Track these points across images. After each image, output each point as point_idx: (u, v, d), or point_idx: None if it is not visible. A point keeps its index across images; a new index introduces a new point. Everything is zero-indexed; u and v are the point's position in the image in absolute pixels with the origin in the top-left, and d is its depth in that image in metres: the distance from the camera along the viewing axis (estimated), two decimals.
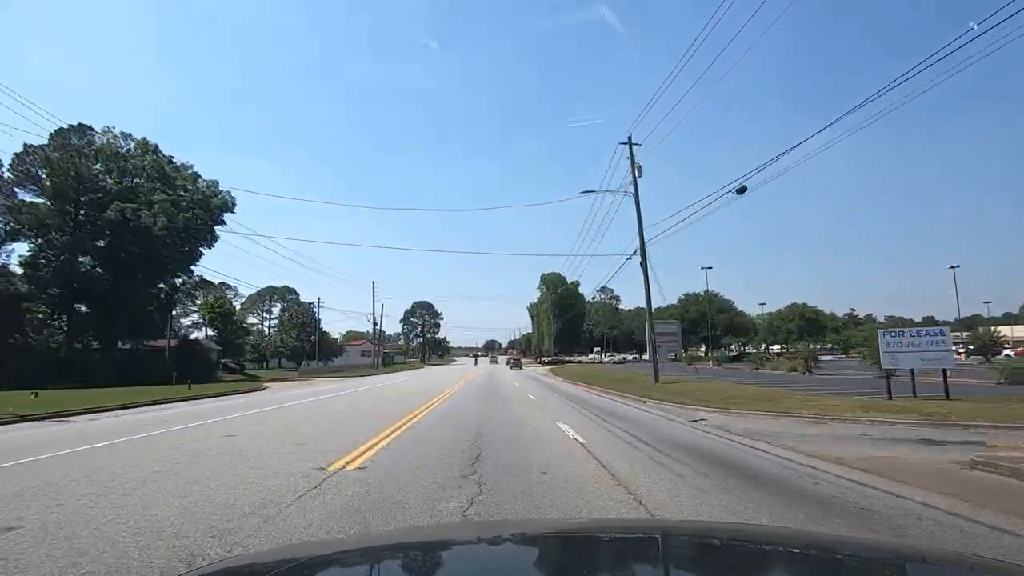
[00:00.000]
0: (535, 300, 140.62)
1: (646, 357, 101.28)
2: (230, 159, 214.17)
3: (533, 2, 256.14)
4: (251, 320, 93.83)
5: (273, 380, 46.94)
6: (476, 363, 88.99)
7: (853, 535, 3.84)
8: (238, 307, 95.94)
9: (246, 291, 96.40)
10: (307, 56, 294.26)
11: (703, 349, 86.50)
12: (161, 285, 48.25)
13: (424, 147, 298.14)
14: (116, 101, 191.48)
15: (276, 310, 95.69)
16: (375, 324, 74.27)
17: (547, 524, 3.30)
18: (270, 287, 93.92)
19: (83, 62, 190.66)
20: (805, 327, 70.44)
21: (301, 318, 71.26)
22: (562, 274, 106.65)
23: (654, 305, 28.50)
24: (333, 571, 1.43)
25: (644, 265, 26.30)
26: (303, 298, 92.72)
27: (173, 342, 46.03)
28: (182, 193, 45.28)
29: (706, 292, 76.77)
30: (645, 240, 26.29)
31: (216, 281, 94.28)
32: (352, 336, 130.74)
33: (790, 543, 1.64)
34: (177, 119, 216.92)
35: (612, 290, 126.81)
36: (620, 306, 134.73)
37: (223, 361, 57.69)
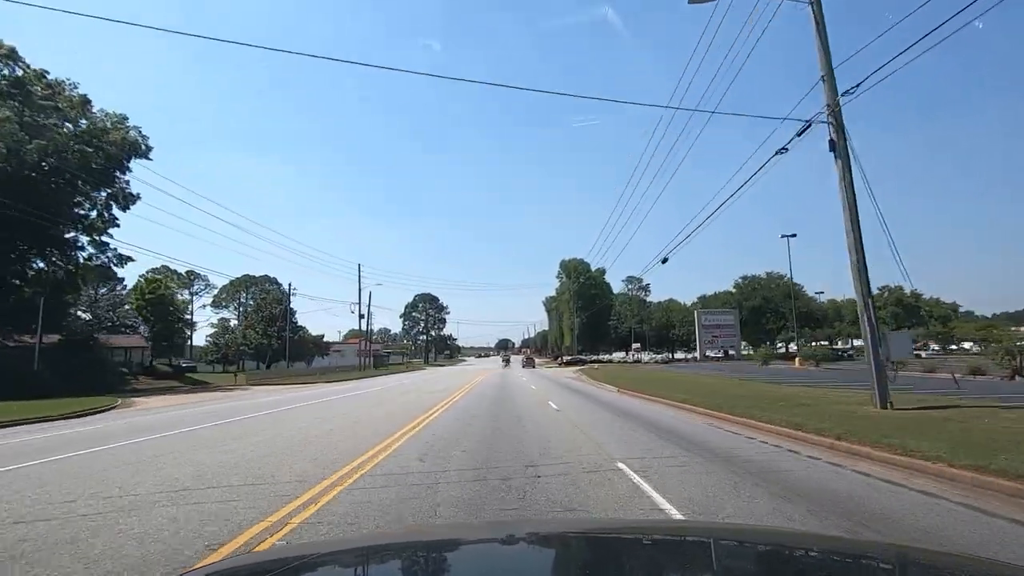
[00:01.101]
0: (552, 294, 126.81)
1: (680, 355, 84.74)
2: (240, 157, 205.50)
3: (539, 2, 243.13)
4: (225, 315, 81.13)
5: (199, 389, 33.45)
6: (507, 365, 71.02)
7: (869, 538, 3.74)
8: (209, 300, 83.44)
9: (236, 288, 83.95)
10: (313, 59, 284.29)
11: (767, 344, 71.40)
12: (57, 260, 35.19)
13: (434, 144, 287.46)
14: (121, 99, 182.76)
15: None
16: (361, 316, 60.59)
17: (557, 524, 3.09)
18: (246, 276, 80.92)
19: (87, 58, 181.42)
20: (903, 316, 55.22)
21: (269, 309, 57.77)
22: (585, 260, 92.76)
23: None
24: (337, 571, 1.38)
25: (839, 143, 11.88)
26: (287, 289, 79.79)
27: (54, 337, 32.70)
28: (65, 125, 31.90)
29: (766, 278, 61.78)
30: (837, 89, 11.87)
31: (184, 270, 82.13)
32: (354, 335, 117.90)
33: (801, 545, 1.59)
34: (184, 119, 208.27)
35: (640, 280, 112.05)
36: (646, 298, 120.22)
37: (154, 362, 44.38)
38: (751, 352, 56.59)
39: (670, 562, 1.42)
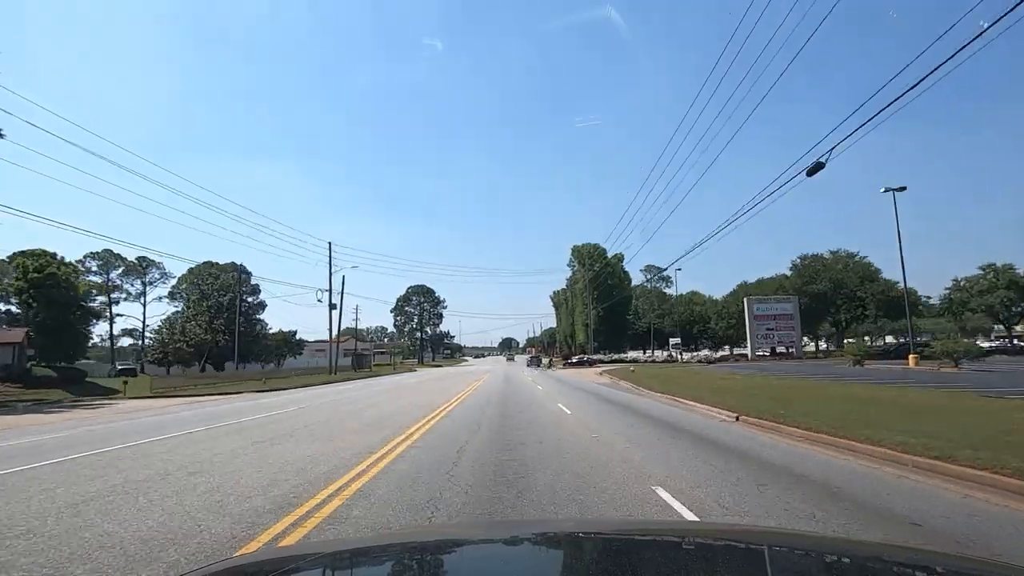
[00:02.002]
0: (561, 287, 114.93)
1: (704, 352, 71.64)
2: (243, 162, 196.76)
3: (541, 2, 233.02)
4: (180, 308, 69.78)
5: (48, 407, 22.36)
6: (530, 363, 63.23)
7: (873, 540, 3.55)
8: (166, 291, 72.25)
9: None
10: (316, 58, 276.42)
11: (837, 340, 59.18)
12: None
13: (434, 145, 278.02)
14: (123, 102, 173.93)
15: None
16: (332, 306, 49.26)
17: (566, 524, 2.93)
18: (208, 263, 69.55)
19: (93, 65, 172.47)
20: (1016, 300, 43.17)
21: (215, 298, 46.58)
22: (601, 245, 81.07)
23: None
24: (340, 571, 1.36)
25: None
26: (259, 280, 68.60)
27: None
28: None
29: (831, 258, 49.64)
30: None
31: (133, 257, 70.93)
32: (345, 333, 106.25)
33: (812, 547, 1.53)
34: (186, 121, 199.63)
35: (661, 269, 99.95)
36: (666, 290, 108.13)
37: (37, 363, 33.15)
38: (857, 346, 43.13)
39: (677, 563, 1.36)
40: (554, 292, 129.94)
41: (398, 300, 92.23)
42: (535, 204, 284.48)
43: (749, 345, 51.21)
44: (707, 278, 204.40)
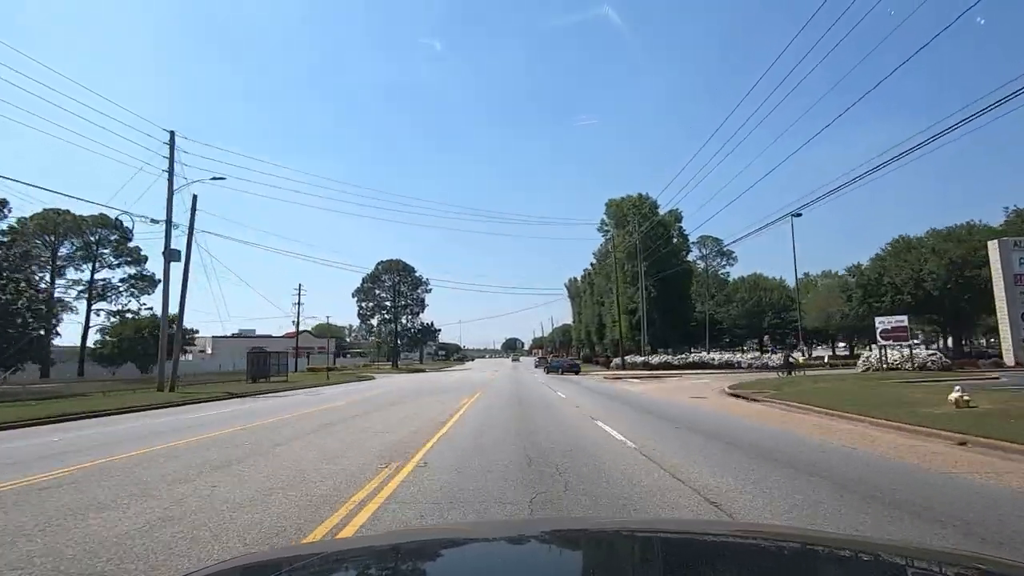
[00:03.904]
0: (580, 272, 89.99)
1: (918, 349, 31.68)
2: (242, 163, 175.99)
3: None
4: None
5: None
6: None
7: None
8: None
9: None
10: (312, 59, 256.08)
11: None
12: None
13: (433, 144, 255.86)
14: (123, 102, 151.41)
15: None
16: (168, 256, 24.32)
17: (577, 523, 2.99)
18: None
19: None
20: None
21: None
22: (649, 196, 55.62)
23: None
24: (344, 571, 1.34)
25: None
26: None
27: None
28: None
29: None
30: None
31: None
32: (320, 329, 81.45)
33: (819, 544, 1.51)
34: (185, 122, 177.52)
35: (720, 241, 73.86)
36: (725, 269, 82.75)
37: None
38: None
39: (683, 562, 1.35)
40: (569, 280, 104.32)
41: (364, 280, 66.86)
42: (535, 202, 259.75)
43: (1008, 335, 25.90)
44: (757, 261, 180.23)
